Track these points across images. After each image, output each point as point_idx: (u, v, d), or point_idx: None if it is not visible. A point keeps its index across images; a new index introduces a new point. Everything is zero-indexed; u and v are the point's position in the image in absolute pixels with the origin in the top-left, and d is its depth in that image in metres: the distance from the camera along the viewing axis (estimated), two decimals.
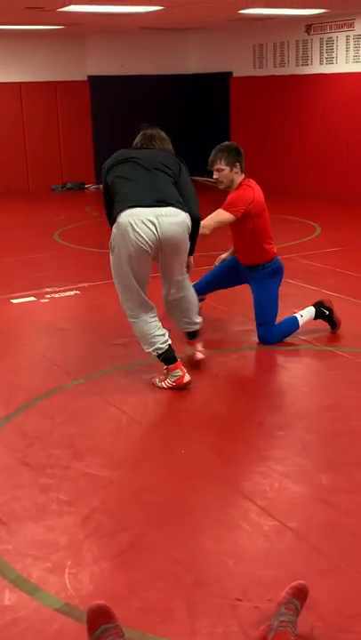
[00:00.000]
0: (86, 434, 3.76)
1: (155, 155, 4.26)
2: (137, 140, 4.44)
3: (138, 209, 3.94)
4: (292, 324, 4.96)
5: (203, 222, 4.40)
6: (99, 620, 2.20)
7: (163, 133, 4.48)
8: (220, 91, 12.85)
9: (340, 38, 10.79)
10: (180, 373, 4.22)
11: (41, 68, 12.55)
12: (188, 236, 4.11)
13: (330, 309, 5.06)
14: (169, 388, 4.23)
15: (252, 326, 5.30)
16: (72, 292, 6.28)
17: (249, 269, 4.92)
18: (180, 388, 4.20)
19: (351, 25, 10.56)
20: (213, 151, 4.77)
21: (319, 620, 2.39)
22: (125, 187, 4.07)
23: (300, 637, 2.26)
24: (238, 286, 5.41)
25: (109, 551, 2.78)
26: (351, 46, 10.66)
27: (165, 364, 4.25)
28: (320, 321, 5.06)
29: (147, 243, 3.94)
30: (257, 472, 3.32)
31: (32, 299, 6.14)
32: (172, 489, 3.23)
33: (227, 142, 4.92)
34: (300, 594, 2.35)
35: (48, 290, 6.34)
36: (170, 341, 4.23)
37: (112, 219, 4.08)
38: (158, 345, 4.20)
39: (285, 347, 5.03)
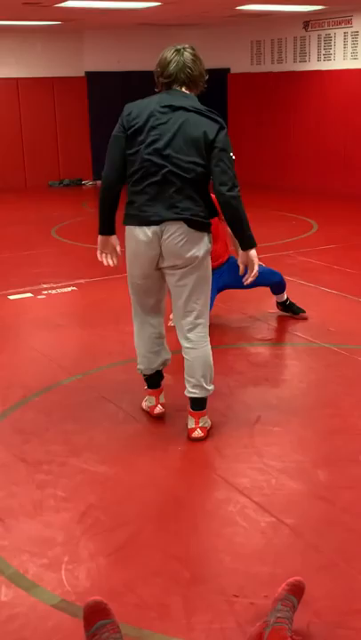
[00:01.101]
0: (83, 430, 3.76)
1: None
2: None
3: None
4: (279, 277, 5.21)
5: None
6: (95, 615, 2.21)
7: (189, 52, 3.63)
8: (217, 87, 12.83)
9: (338, 35, 10.78)
10: (153, 403, 3.85)
11: (38, 64, 12.53)
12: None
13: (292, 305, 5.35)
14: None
15: (249, 323, 5.31)
16: (69, 289, 6.27)
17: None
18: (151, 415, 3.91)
19: (349, 22, 10.56)
20: None
21: (316, 617, 2.39)
22: None
23: (296, 633, 2.27)
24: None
25: (106, 547, 2.79)
26: (349, 43, 10.66)
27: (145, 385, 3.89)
28: (316, 317, 5.06)
29: None
30: (254, 468, 3.32)
31: (29, 295, 6.13)
32: (168, 485, 3.24)
33: None
34: (297, 590, 2.35)
35: (45, 286, 6.34)
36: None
37: None
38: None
39: (283, 343, 5.04)
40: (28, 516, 2.99)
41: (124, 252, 3.54)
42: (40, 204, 11.26)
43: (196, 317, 3.56)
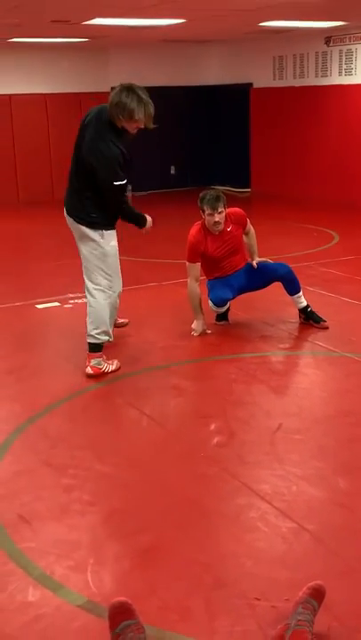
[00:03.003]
0: (107, 435, 3.78)
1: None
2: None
3: None
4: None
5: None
6: (120, 616, 2.22)
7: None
8: (240, 101, 12.86)
9: (359, 50, 10.77)
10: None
11: (65, 80, 12.65)
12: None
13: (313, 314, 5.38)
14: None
15: (272, 332, 5.31)
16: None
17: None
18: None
19: None
20: (211, 198, 5.05)
21: (335, 620, 2.38)
22: None
23: (317, 636, 2.26)
24: (258, 293, 5.46)
25: (130, 550, 2.80)
26: None
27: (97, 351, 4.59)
28: (337, 327, 5.05)
29: None
30: (275, 475, 3.32)
31: (56, 304, 6.18)
32: (191, 491, 3.24)
33: (212, 190, 5.24)
34: (318, 594, 2.35)
35: (71, 295, 6.38)
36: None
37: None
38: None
39: (304, 352, 5.03)
40: (55, 519, 3.01)
41: None
42: None
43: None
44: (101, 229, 4.46)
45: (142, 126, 4.31)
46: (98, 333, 4.55)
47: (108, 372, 4.57)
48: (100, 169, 4.28)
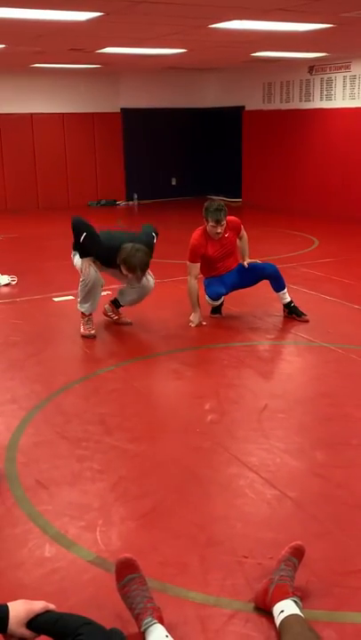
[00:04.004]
0: (116, 413, 3.78)
1: None
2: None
3: None
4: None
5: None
6: (125, 570, 2.21)
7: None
8: (234, 122, 12.80)
9: (338, 78, 10.72)
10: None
11: (81, 101, 12.59)
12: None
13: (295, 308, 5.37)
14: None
15: (260, 324, 5.30)
16: (105, 292, 6.26)
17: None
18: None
19: (348, 67, 10.49)
20: (216, 211, 5.00)
21: (314, 576, 2.39)
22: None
23: (297, 589, 2.26)
24: (248, 289, 5.45)
25: (134, 513, 2.80)
26: (348, 85, 10.59)
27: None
28: (317, 320, 5.04)
29: None
30: (261, 448, 3.32)
31: (70, 297, 6.16)
32: (188, 461, 3.24)
33: (216, 203, 5.15)
34: (298, 553, 2.35)
35: None
36: None
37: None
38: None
39: (287, 342, 5.02)
40: (69, 485, 3.01)
41: None
42: None
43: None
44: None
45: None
46: None
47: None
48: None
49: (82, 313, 5.08)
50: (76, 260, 5.01)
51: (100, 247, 4.82)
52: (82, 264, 4.92)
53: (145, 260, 4.64)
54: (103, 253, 4.83)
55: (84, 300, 5.03)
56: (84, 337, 5.03)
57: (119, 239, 4.79)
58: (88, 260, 4.88)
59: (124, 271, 4.72)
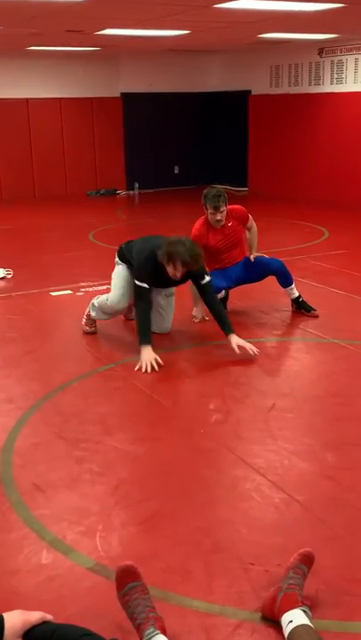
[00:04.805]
0: (116, 412, 3.77)
1: None
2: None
3: None
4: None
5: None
6: (126, 578, 2.21)
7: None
8: (239, 107, 12.77)
9: (350, 61, 10.68)
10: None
11: (79, 86, 12.57)
12: None
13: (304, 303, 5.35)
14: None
15: (266, 319, 5.29)
16: (104, 287, 6.25)
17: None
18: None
19: (359, 49, 10.45)
20: (214, 197, 5.00)
21: (323, 584, 2.38)
22: None
23: (306, 598, 2.26)
24: (254, 285, 5.43)
25: (136, 517, 2.80)
26: (359, 68, 10.55)
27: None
28: (326, 315, 5.03)
29: None
30: (268, 450, 3.31)
31: (68, 292, 6.16)
32: (191, 463, 3.24)
33: (214, 189, 5.13)
34: (307, 560, 2.34)
35: (83, 284, 6.36)
36: None
37: None
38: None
39: (295, 338, 5.01)
40: (67, 488, 3.01)
41: None
42: (79, 212, 11.30)
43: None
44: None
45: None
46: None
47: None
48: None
49: (89, 314, 5.05)
50: (119, 270, 4.93)
51: (147, 265, 4.51)
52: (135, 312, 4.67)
53: (194, 249, 4.35)
54: (149, 267, 4.51)
55: (102, 314, 4.98)
56: (85, 333, 5.03)
57: (153, 240, 4.64)
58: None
59: (170, 268, 4.36)
